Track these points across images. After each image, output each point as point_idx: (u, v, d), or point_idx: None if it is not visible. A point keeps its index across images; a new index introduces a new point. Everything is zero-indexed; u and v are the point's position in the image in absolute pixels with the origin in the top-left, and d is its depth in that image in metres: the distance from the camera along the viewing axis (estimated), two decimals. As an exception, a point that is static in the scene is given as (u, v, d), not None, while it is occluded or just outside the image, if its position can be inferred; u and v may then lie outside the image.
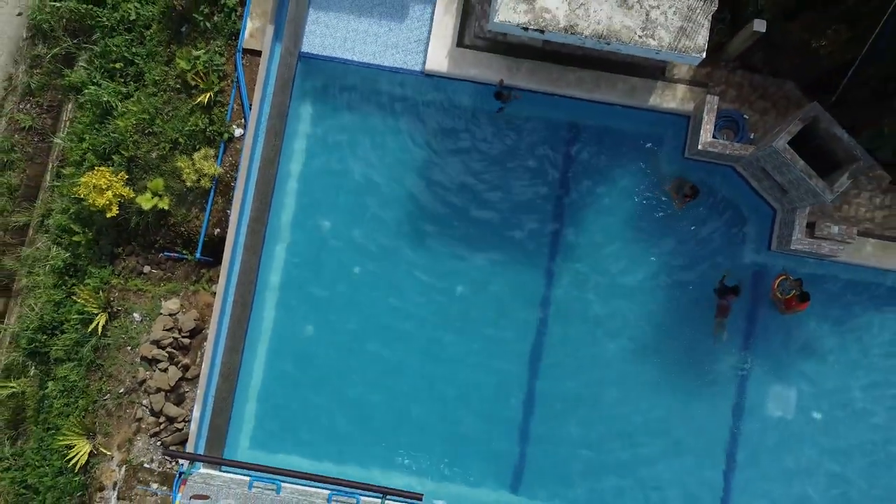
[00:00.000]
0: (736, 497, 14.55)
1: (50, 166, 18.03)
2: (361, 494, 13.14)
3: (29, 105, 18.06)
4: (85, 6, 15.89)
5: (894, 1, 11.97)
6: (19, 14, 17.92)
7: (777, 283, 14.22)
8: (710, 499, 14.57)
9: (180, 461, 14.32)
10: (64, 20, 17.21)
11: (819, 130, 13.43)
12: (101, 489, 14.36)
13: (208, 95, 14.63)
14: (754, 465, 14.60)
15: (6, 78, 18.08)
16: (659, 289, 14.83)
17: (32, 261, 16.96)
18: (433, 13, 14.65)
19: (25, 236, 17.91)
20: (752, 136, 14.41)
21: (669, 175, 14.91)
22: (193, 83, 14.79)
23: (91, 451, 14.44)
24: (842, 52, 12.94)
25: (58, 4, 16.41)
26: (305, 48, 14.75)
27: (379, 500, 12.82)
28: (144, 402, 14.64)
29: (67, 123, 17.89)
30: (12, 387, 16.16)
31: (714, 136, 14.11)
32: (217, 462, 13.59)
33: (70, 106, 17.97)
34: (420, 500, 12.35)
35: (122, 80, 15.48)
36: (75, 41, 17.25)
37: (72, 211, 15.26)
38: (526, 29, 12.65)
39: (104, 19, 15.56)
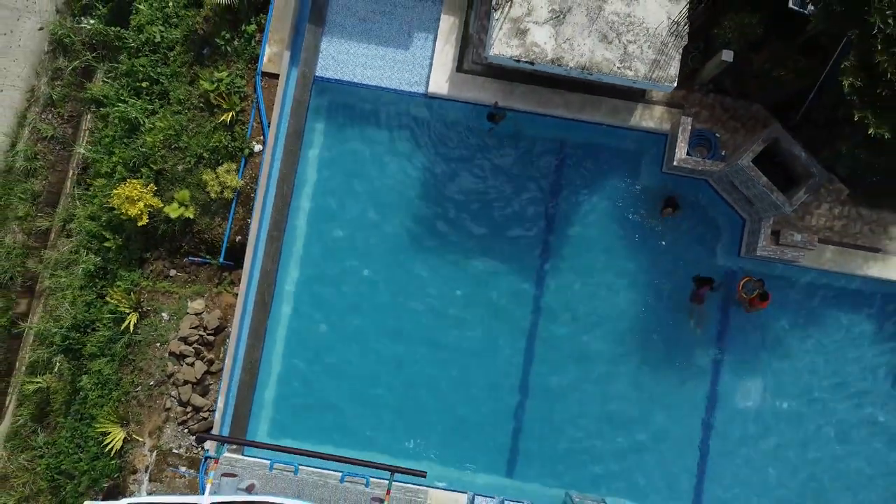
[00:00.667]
0: (710, 478, 17.11)
1: (70, 174, 20.22)
2: (371, 475, 15.42)
3: (50, 115, 20.14)
4: (113, 28, 18.14)
5: (847, 33, 14.66)
6: (41, 28, 20.03)
7: (742, 285, 16.52)
8: (687, 481, 17.20)
9: (206, 447, 16.94)
10: (83, 35, 19.43)
11: (781, 149, 15.96)
12: (134, 472, 16.60)
13: (230, 115, 16.67)
14: (728, 452, 17.14)
15: (29, 89, 20.12)
16: (639, 290, 17.18)
17: (55, 263, 19.05)
18: (435, 42, 16.82)
19: (47, 240, 20.02)
20: (723, 153, 16.75)
21: (650, 188, 17.20)
22: (216, 103, 16.84)
23: (125, 438, 16.67)
24: (799, 80, 15.37)
25: (86, 25, 18.83)
26: (320, 72, 16.83)
27: (387, 480, 14.84)
28: (173, 393, 16.75)
29: (87, 133, 20.10)
30: (38, 382, 18.27)
31: (688, 153, 16.48)
32: (242, 443, 15.95)
33: (89, 116, 20.21)
34: (424, 476, 14.31)
35: (148, 98, 17.54)
36: (94, 55, 19.58)
37: (103, 219, 17.32)
38: (518, 61, 15.10)
39: (130, 41, 17.72)
